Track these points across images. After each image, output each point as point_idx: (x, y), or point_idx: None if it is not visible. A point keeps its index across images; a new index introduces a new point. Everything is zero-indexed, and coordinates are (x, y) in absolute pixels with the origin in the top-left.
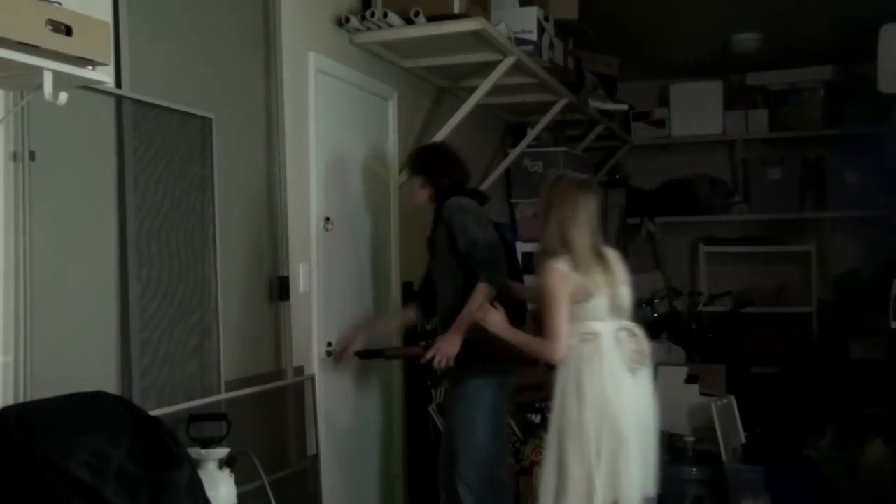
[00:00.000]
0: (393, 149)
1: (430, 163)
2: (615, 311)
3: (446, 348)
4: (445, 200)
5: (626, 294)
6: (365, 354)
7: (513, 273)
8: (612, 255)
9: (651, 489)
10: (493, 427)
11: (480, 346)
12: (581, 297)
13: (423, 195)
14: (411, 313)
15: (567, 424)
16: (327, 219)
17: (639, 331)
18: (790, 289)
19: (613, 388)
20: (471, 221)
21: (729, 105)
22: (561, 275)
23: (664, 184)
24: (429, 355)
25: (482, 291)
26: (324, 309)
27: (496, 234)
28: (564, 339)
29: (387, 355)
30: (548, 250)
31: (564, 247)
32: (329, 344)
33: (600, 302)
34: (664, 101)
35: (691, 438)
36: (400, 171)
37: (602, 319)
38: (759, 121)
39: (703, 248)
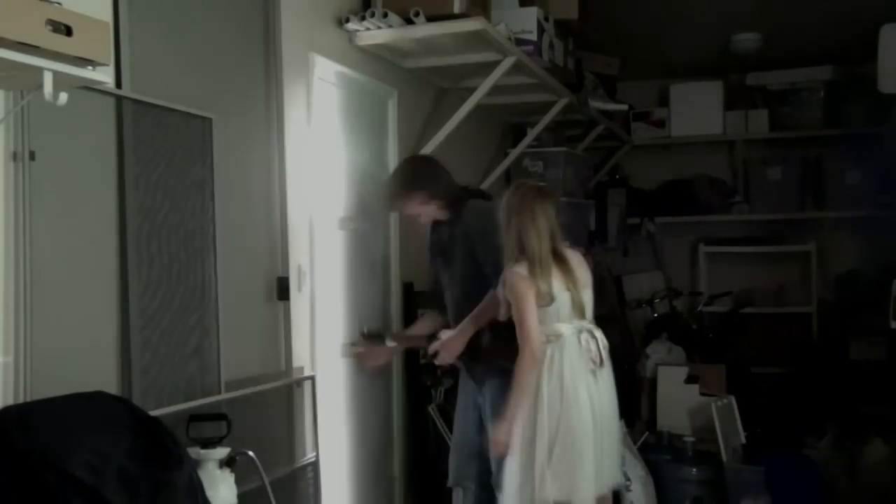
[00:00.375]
0: (393, 149)
1: (425, 177)
2: (576, 313)
3: (451, 347)
4: (460, 206)
5: (588, 296)
6: (369, 336)
7: None
8: (576, 259)
9: (612, 483)
10: None
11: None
12: (543, 301)
13: (430, 210)
14: (430, 321)
15: (526, 422)
16: (345, 218)
17: (598, 332)
18: (790, 289)
19: (572, 389)
20: (493, 229)
21: (729, 105)
22: (522, 278)
23: (664, 184)
24: (433, 349)
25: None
26: (323, 309)
27: None
28: (538, 340)
29: (392, 338)
30: (509, 256)
31: (523, 253)
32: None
33: (562, 305)
34: (664, 101)
35: (691, 438)
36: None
37: (564, 321)
38: (758, 121)
39: (703, 248)
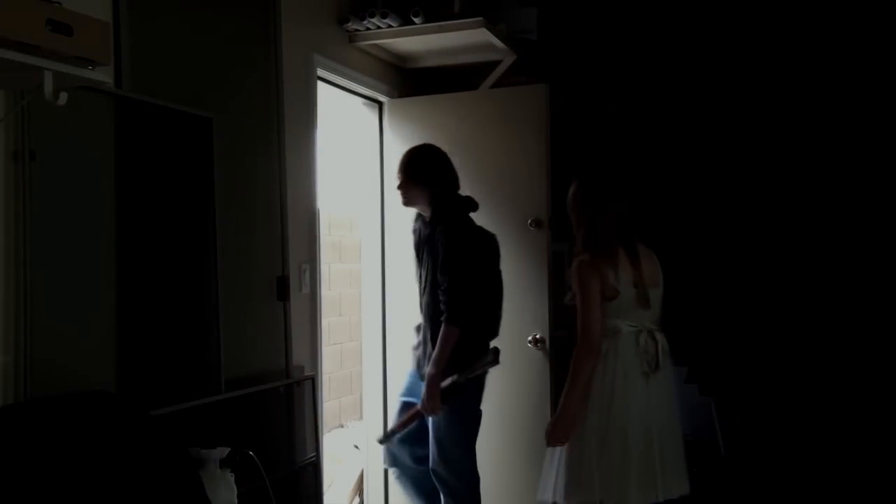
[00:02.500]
0: (392, 149)
1: (425, 167)
2: (641, 310)
3: (431, 408)
4: (440, 208)
5: (655, 295)
6: (384, 439)
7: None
8: (647, 255)
9: (673, 493)
10: None
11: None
12: (607, 293)
13: (419, 199)
14: None
15: (577, 414)
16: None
17: (660, 336)
18: None
19: (623, 389)
20: (458, 253)
21: None
22: (589, 268)
23: None
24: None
25: (447, 335)
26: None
27: (486, 269)
28: (597, 332)
29: (395, 431)
30: (577, 247)
31: (592, 243)
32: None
33: (626, 300)
34: None
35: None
36: (398, 175)
37: (625, 318)
38: None
39: None
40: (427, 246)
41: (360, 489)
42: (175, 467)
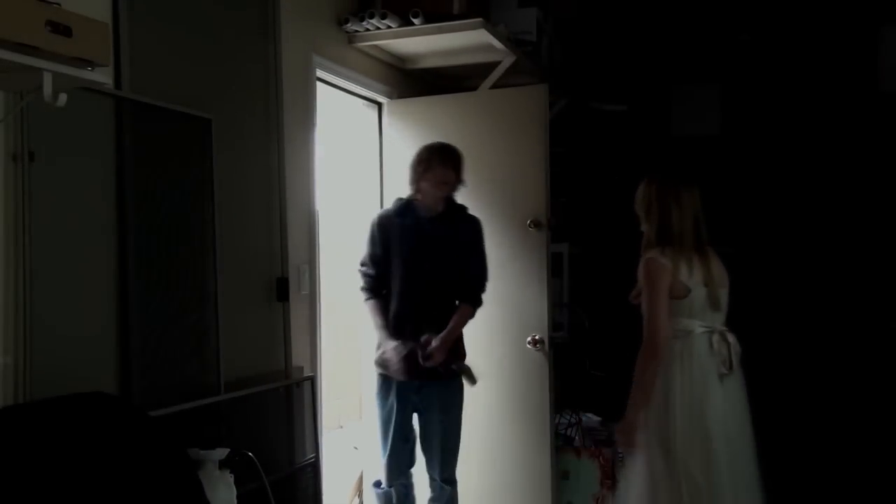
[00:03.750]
0: (391, 150)
1: (460, 166)
2: (711, 311)
3: (440, 353)
4: (457, 206)
5: (724, 296)
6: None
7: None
8: (714, 255)
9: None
10: None
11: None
12: (678, 292)
13: (446, 191)
14: None
15: (657, 419)
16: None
17: (732, 337)
18: None
19: (703, 393)
20: (482, 249)
21: None
22: (661, 266)
23: None
24: (430, 353)
25: (468, 314)
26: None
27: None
28: (664, 334)
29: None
30: (648, 242)
31: (664, 240)
32: None
33: (697, 299)
34: None
35: None
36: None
37: (696, 318)
38: None
39: None
40: (436, 236)
41: (359, 490)
42: (174, 468)
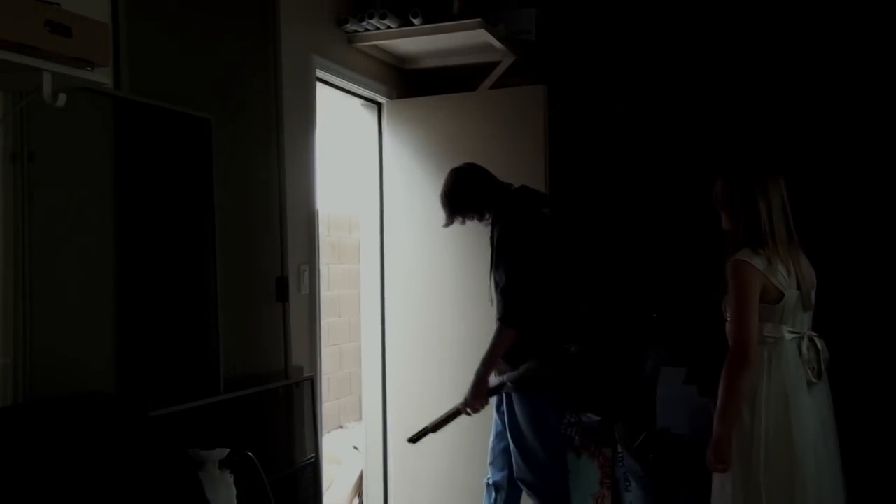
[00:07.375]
0: (391, 150)
1: (460, 198)
2: (801, 315)
3: (475, 406)
4: (499, 209)
5: (813, 296)
6: (415, 438)
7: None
8: (801, 251)
9: None
10: None
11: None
12: (770, 297)
13: (475, 217)
14: None
15: (740, 433)
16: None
17: (821, 342)
18: None
19: (794, 400)
20: (508, 253)
21: None
22: (753, 269)
23: None
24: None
25: (499, 336)
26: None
27: (538, 266)
28: (753, 340)
29: (428, 431)
30: (739, 242)
31: (758, 240)
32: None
33: (788, 304)
34: None
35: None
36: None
37: (787, 323)
38: None
39: None
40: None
41: (359, 490)
42: (174, 468)
